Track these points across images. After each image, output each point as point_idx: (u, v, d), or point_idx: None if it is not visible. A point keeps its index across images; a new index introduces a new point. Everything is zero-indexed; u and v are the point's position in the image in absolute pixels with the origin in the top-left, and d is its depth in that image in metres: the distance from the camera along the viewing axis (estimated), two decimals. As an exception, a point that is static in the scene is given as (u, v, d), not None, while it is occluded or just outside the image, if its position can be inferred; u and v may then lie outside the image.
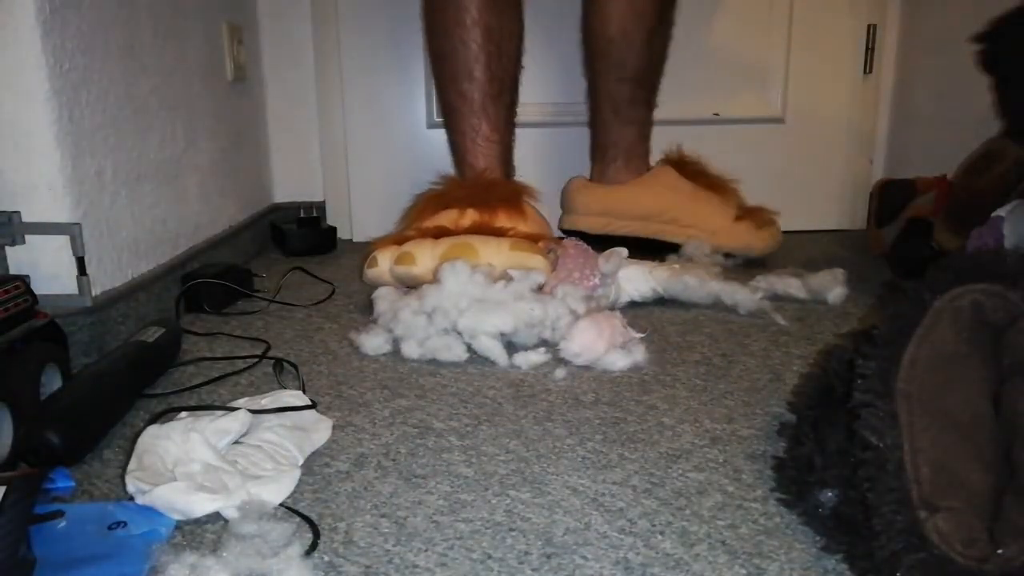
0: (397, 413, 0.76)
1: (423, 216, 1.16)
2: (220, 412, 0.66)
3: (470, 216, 1.12)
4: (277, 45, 1.63)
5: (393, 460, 0.66)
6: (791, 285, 1.14)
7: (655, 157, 1.47)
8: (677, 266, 1.16)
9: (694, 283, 1.10)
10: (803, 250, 1.50)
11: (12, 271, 0.88)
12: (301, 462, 0.65)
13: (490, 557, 0.52)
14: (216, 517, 0.57)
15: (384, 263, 1.09)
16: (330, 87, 1.63)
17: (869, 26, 1.64)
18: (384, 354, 0.94)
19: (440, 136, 1.38)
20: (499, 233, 1.09)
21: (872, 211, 1.45)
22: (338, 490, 0.61)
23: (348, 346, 0.97)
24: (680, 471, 0.64)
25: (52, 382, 0.75)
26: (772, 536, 0.55)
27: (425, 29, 1.30)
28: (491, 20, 1.20)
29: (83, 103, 0.90)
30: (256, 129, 1.59)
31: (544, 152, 1.63)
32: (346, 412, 0.77)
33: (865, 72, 1.67)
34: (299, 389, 0.80)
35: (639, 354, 0.89)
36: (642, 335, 0.94)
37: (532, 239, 1.09)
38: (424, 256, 1.05)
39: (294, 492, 0.61)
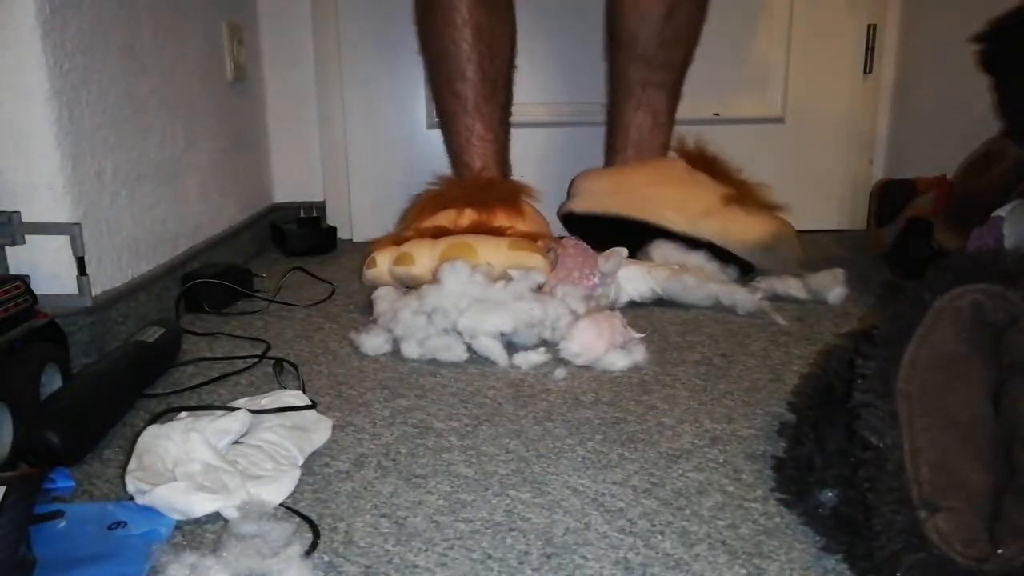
0: (397, 413, 0.76)
1: (421, 216, 1.16)
2: (220, 412, 0.66)
3: (468, 216, 1.12)
4: (277, 45, 1.63)
5: (393, 460, 0.66)
6: (791, 285, 1.14)
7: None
8: (676, 266, 1.16)
9: (693, 283, 1.10)
10: (803, 250, 1.50)
11: (12, 271, 0.88)
12: (301, 462, 0.65)
13: (490, 557, 0.52)
14: (216, 517, 0.57)
15: (383, 264, 1.09)
16: (330, 87, 1.63)
17: (869, 26, 1.64)
18: (384, 354, 0.94)
19: (440, 136, 1.38)
20: (498, 232, 1.09)
21: (872, 211, 1.45)
22: (338, 490, 0.61)
23: (348, 346, 0.97)
24: (680, 471, 0.64)
25: (52, 382, 0.75)
26: (772, 536, 0.55)
27: (418, 31, 1.30)
28: (481, 20, 1.20)
29: (83, 103, 0.90)
30: (256, 129, 1.59)
31: (544, 152, 1.63)
32: (346, 412, 0.77)
33: (865, 72, 1.67)
34: (299, 389, 0.80)
35: (639, 354, 0.89)
36: (642, 335, 0.94)
37: (531, 238, 1.09)
38: (423, 256, 1.05)
39: (294, 492, 0.61)
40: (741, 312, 1.07)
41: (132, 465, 0.60)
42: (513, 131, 1.34)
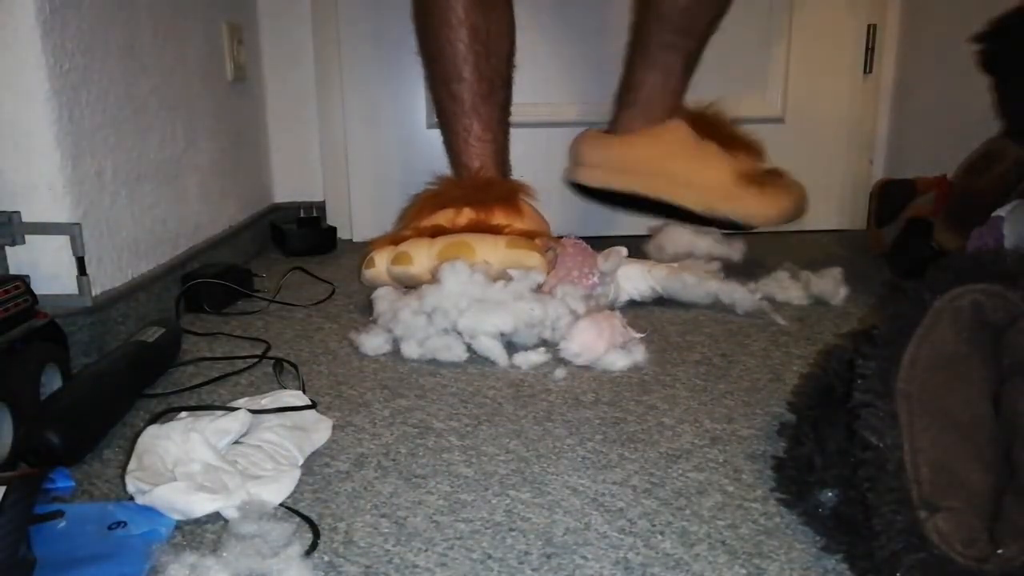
0: (397, 413, 0.76)
1: (420, 216, 1.16)
2: (220, 412, 0.66)
3: (466, 215, 1.12)
4: (277, 45, 1.63)
5: (393, 460, 0.66)
6: (791, 285, 1.14)
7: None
8: (676, 265, 1.16)
9: (692, 282, 1.10)
10: (803, 250, 1.50)
11: (12, 271, 0.88)
12: (301, 462, 0.65)
13: (490, 557, 0.52)
14: (216, 517, 0.57)
15: (381, 263, 1.09)
16: (330, 87, 1.63)
17: (869, 26, 1.64)
18: (384, 354, 0.94)
19: (439, 136, 1.38)
20: (496, 231, 1.09)
21: (872, 211, 1.45)
22: (338, 490, 0.61)
23: (348, 346, 0.97)
24: (680, 471, 0.64)
25: (52, 382, 0.75)
26: (772, 536, 0.55)
27: (415, 30, 1.30)
28: (477, 20, 1.20)
29: (83, 103, 0.90)
30: (256, 129, 1.59)
31: (544, 152, 1.63)
32: (346, 412, 0.77)
33: (865, 72, 1.67)
34: (299, 389, 0.80)
35: (639, 354, 0.89)
36: (642, 335, 0.94)
37: (529, 236, 1.09)
38: (421, 256, 1.05)
39: (294, 492, 0.61)
40: (740, 311, 1.07)
41: (132, 465, 0.60)
42: (513, 131, 1.34)
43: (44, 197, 0.86)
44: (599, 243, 1.22)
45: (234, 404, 0.71)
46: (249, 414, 0.67)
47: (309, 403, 0.73)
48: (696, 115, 1.35)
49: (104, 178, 0.94)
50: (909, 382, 0.45)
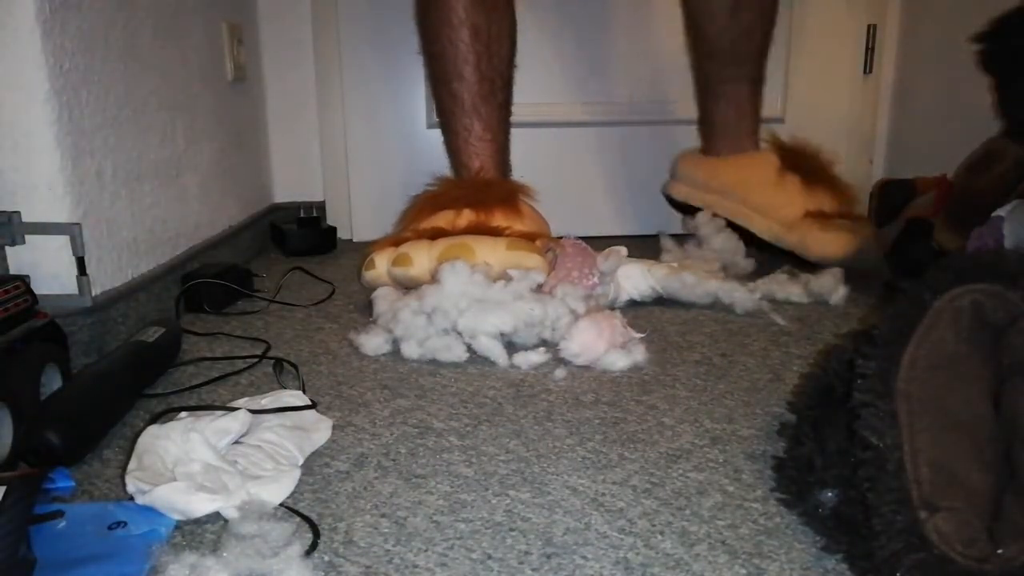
0: (397, 413, 0.76)
1: (420, 217, 1.16)
2: (220, 412, 0.66)
3: (466, 216, 1.12)
4: (277, 45, 1.63)
5: (393, 460, 0.66)
6: (791, 286, 1.14)
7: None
8: (675, 264, 1.16)
9: (692, 281, 1.10)
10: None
11: (12, 271, 0.88)
12: (301, 462, 0.65)
13: (490, 557, 0.52)
14: (216, 517, 0.57)
15: (381, 265, 1.09)
16: (330, 87, 1.63)
17: (869, 26, 1.64)
18: (384, 354, 0.94)
19: (440, 136, 1.38)
20: (496, 232, 1.09)
21: (872, 211, 1.45)
22: (338, 490, 0.61)
23: (348, 346, 0.97)
24: (680, 471, 0.64)
25: (52, 382, 0.75)
26: (772, 536, 0.55)
27: (417, 29, 1.30)
28: (479, 20, 1.20)
29: (83, 103, 0.90)
30: (256, 129, 1.59)
31: (544, 152, 1.63)
32: (346, 412, 0.77)
33: (865, 72, 1.67)
34: (299, 389, 0.80)
35: (639, 354, 0.89)
36: (642, 335, 0.94)
37: (529, 238, 1.09)
38: (421, 257, 1.05)
39: (294, 492, 0.61)
40: (740, 311, 1.07)
41: (132, 465, 0.60)
42: (514, 131, 1.34)
43: (44, 197, 0.86)
44: (599, 243, 1.22)
45: (234, 404, 0.71)
46: (249, 414, 0.67)
47: (309, 403, 0.73)
48: (789, 148, 1.40)
49: (104, 178, 0.94)
50: (909, 382, 0.45)
